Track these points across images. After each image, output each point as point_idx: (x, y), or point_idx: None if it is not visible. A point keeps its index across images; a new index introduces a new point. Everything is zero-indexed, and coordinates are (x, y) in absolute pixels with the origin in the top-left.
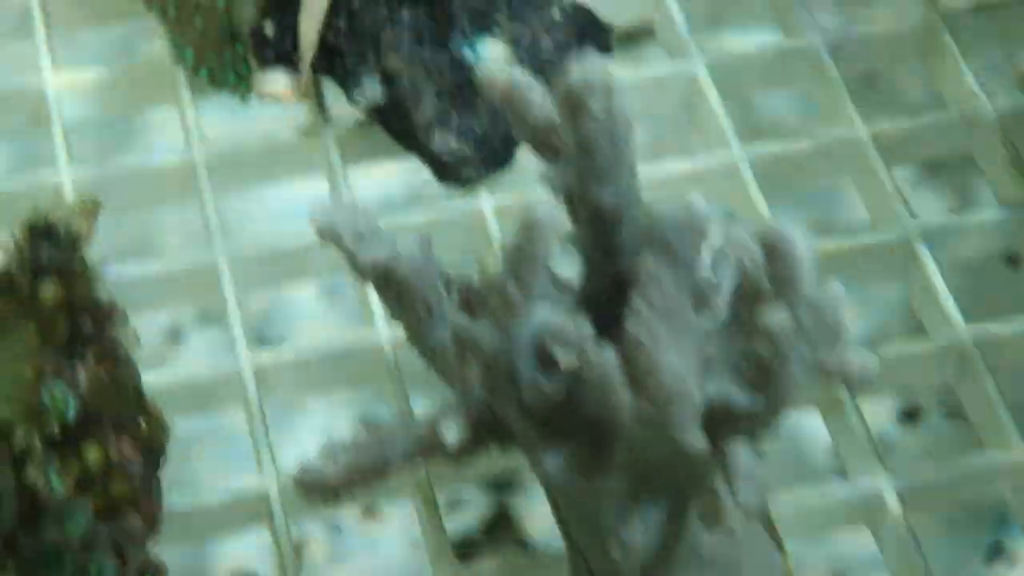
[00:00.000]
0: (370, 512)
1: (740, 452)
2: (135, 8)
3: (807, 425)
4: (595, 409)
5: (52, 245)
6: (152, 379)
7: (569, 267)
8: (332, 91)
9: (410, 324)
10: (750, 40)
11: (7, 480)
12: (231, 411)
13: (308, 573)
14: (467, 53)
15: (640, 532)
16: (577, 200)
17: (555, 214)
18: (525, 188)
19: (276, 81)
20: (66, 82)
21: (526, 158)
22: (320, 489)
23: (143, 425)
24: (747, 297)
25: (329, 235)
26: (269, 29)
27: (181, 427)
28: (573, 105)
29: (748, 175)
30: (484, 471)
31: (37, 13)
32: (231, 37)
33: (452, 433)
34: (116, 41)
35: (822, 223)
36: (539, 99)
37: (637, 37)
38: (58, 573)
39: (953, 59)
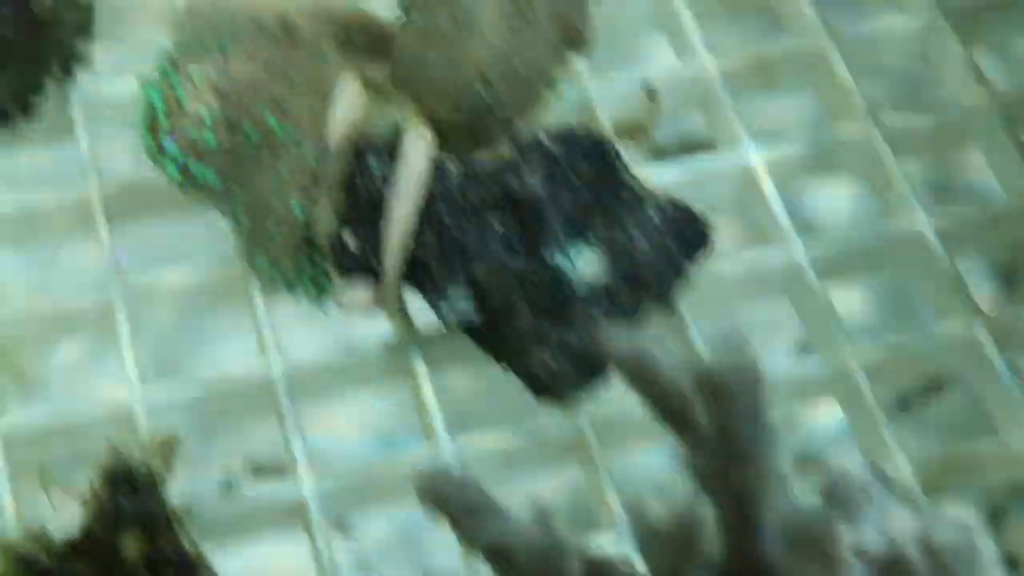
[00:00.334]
0: None
1: None
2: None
3: None
4: None
5: (132, 492)
6: None
7: None
8: (416, 301)
9: None
10: None
11: None
12: None
13: None
14: (562, 262)
15: None
16: (713, 481)
17: None
18: (625, 403)
19: (358, 294)
20: (140, 287)
21: None
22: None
23: None
24: None
25: (436, 505)
26: (350, 239)
27: None
28: (716, 392)
29: None
30: None
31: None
32: (309, 245)
33: None
34: (180, 239)
35: None
36: (669, 372)
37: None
38: None
39: None
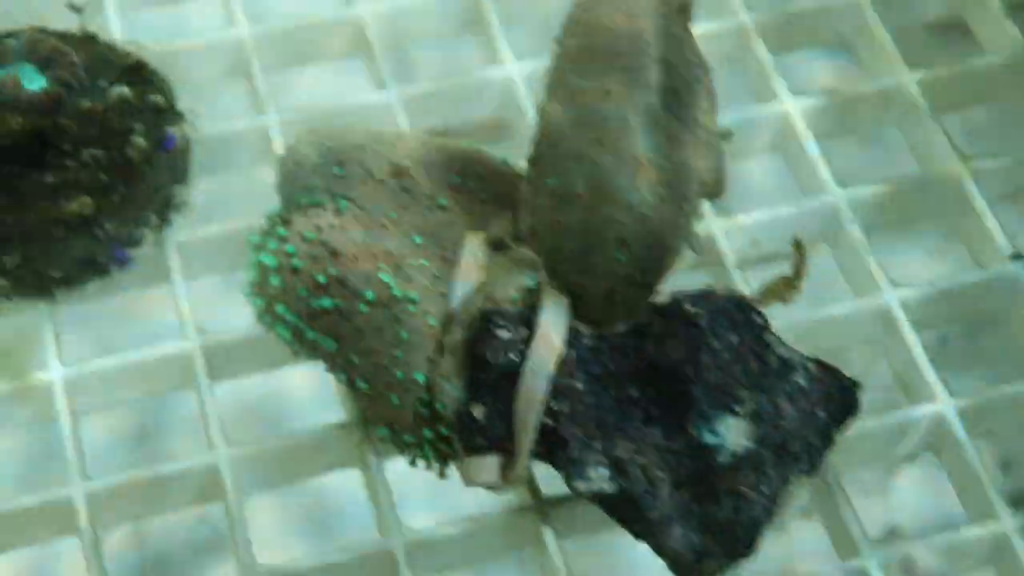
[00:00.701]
0: None
1: None
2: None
3: None
4: None
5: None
6: None
7: None
8: (548, 471)
9: None
10: None
11: None
12: None
13: None
14: (707, 436)
15: None
16: None
17: None
18: None
19: (487, 469)
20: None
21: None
22: None
23: None
24: None
25: None
26: (479, 412)
27: None
28: None
29: None
30: None
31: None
32: (431, 414)
33: None
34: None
35: None
36: None
37: None
38: None
39: None
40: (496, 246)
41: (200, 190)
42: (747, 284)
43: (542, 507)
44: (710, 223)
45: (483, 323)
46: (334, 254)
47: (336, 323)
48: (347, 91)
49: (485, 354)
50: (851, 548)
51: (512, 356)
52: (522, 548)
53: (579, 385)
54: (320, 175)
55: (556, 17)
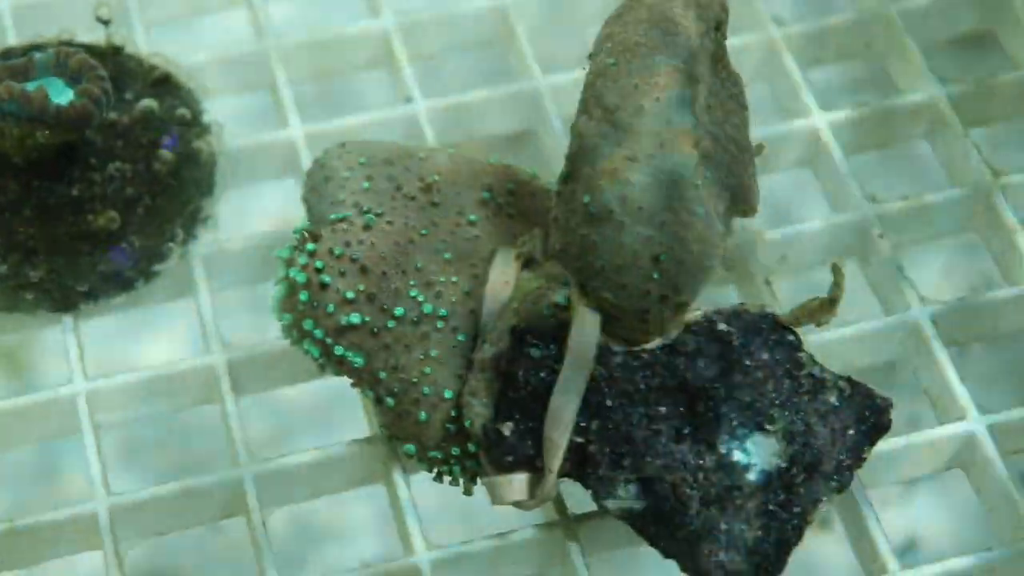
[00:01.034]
0: None
1: None
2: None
3: None
4: None
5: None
6: None
7: None
8: (578, 489)
9: None
10: None
11: None
12: None
13: None
14: (737, 454)
15: None
16: None
17: None
18: None
19: (515, 488)
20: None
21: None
22: None
23: None
24: None
25: None
26: (508, 429)
27: None
28: None
29: None
30: None
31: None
32: (459, 431)
33: None
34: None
35: None
36: None
37: None
38: None
39: None
40: (526, 262)
41: (225, 203)
42: (775, 298)
43: (569, 524)
44: (740, 237)
45: (513, 341)
46: (363, 270)
47: (364, 339)
48: (373, 102)
49: (515, 372)
50: (876, 562)
51: (542, 374)
52: (549, 566)
53: (609, 402)
54: (348, 190)
55: (582, 29)
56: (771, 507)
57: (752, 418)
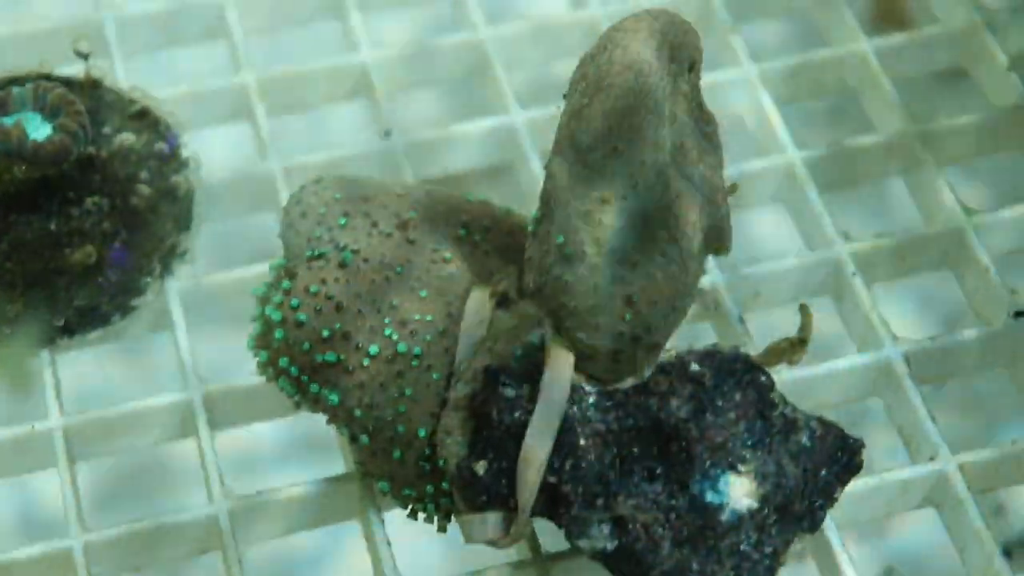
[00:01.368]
0: None
1: None
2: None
3: None
4: None
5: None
6: None
7: None
8: (551, 528)
9: None
10: None
11: None
12: None
13: None
14: (709, 494)
15: None
16: None
17: None
18: None
19: (489, 527)
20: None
21: None
22: None
23: None
24: None
25: None
26: (481, 468)
27: None
28: None
29: None
30: None
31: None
32: (433, 470)
33: None
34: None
35: None
36: None
37: None
38: None
39: None
40: (501, 301)
41: (203, 237)
42: (748, 335)
43: (542, 563)
44: (713, 275)
45: (487, 380)
46: (338, 308)
47: (339, 377)
48: (350, 137)
49: (489, 411)
50: None
51: (516, 414)
52: None
53: (582, 442)
54: (325, 226)
55: (560, 63)
56: (743, 547)
57: (724, 458)
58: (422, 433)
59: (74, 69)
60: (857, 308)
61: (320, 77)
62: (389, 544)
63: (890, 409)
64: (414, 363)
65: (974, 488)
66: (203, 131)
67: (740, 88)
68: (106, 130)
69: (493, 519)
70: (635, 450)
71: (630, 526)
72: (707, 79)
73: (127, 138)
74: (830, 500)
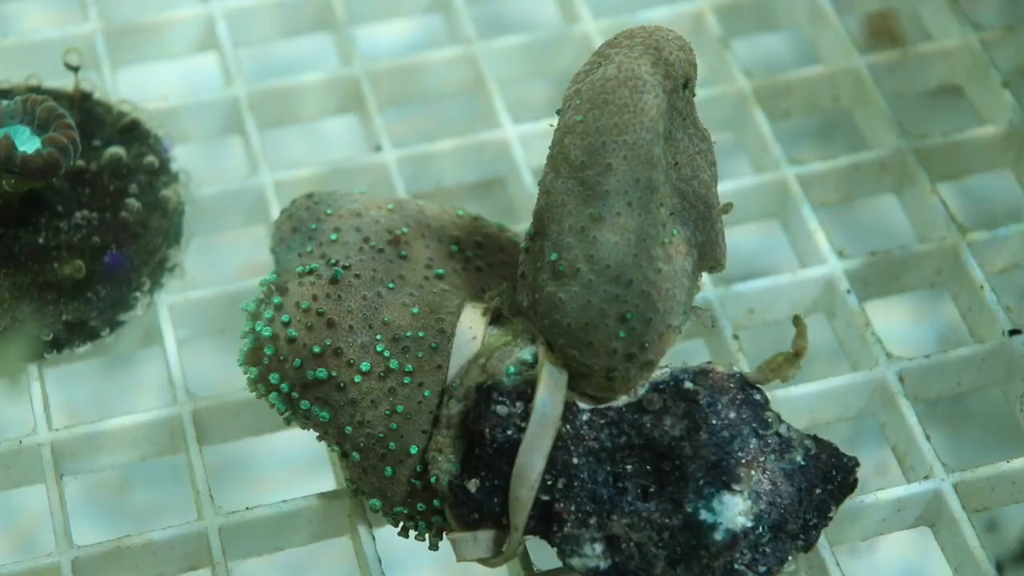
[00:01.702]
0: None
1: None
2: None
3: None
4: None
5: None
6: None
7: None
8: (544, 546)
9: None
10: None
11: None
12: None
13: None
14: (703, 513)
15: None
16: None
17: None
18: None
19: (481, 545)
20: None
21: None
22: None
23: None
24: None
25: None
26: (473, 486)
27: None
28: None
29: None
30: None
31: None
32: (425, 489)
33: None
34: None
35: None
36: None
37: None
38: None
39: None
40: (494, 317)
41: (193, 251)
42: (742, 352)
43: None
44: (708, 292)
45: (480, 397)
46: (329, 324)
47: (330, 394)
48: (343, 150)
49: (482, 429)
50: None
51: (509, 432)
52: None
53: (575, 460)
54: (316, 241)
55: (553, 78)
56: (737, 566)
57: (718, 477)
58: (414, 450)
59: (64, 82)
60: (851, 325)
61: (311, 90)
62: (380, 561)
63: (885, 427)
64: (406, 380)
65: (969, 507)
66: (193, 144)
67: (734, 104)
68: (96, 143)
69: (485, 537)
70: (629, 468)
71: (623, 545)
72: (701, 95)
73: (117, 151)
74: (825, 519)
